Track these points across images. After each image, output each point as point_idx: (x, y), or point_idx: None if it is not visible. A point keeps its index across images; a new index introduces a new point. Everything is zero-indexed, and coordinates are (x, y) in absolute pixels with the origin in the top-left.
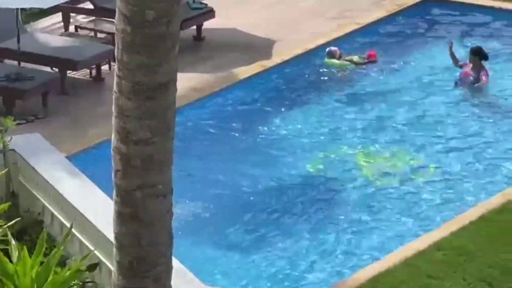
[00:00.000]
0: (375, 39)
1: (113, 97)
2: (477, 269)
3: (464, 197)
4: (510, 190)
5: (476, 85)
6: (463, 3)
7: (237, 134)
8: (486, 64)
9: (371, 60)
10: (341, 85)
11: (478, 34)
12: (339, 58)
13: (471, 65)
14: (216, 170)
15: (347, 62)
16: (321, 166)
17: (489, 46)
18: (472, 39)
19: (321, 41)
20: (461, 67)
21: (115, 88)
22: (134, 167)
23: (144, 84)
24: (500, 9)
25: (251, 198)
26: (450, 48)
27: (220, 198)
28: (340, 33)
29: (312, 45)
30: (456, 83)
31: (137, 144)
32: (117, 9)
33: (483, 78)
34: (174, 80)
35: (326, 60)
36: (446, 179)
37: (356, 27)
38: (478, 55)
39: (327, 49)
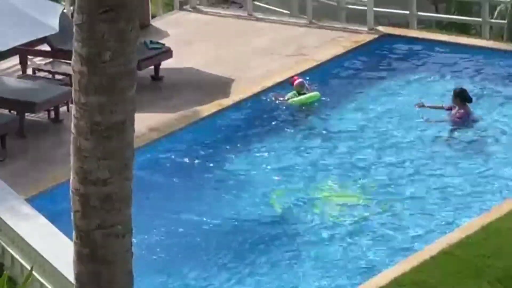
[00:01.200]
0: (332, 76)
1: (71, 138)
2: None
3: (425, 232)
4: (469, 224)
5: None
6: (419, 39)
7: (195, 173)
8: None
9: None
10: (301, 123)
11: (435, 70)
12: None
13: (457, 107)
14: (174, 208)
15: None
16: (278, 204)
17: (448, 81)
18: (431, 75)
19: (278, 78)
20: (449, 109)
21: (72, 129)
22: (93, 207)
23: (102, 124)
24: (457, 44)
25: (201, 237)
26: (422, 106)
27: (173, 236)
28: (297, 70)
29: (269, 83)
30: (426, 119)
31: (95, 184)
32: (73, 51)
33: (457, 114)
34: (131, 120)
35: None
36: (406, 214)
37: (313, 63)
38: (459, 96)
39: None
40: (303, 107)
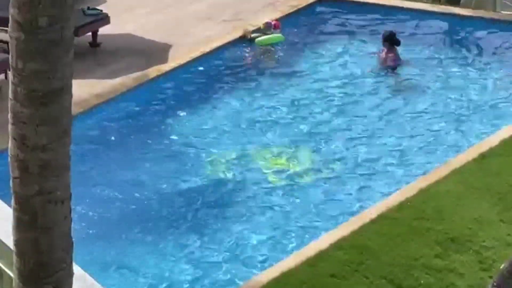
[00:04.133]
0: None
1: (9, 104)
2: (378, 268)
3: (364, 194)
4: (408, 187)
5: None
6: (356, 2)
7: (136, 138)
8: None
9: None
10: (242, 83)
11: (375, 32)
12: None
13: (385, 49)
14: (113, 174)
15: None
16: (220, 168)
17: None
18: (367, 38)
19: (216, 43)
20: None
21: (10, 95)
22: (31, 173)
23: (39, 90)
24: (394, 7)
25: (146, 202)
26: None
27: (116, 202)
28: (235, 35)
29: (207, 48)
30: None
31: (33, 150)
32: (10, 17)
33: (388, 59)
34: (69, 86)
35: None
36: (347, 176)
37: (252, 29)
38: (389, 40)
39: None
40: (261, 54)
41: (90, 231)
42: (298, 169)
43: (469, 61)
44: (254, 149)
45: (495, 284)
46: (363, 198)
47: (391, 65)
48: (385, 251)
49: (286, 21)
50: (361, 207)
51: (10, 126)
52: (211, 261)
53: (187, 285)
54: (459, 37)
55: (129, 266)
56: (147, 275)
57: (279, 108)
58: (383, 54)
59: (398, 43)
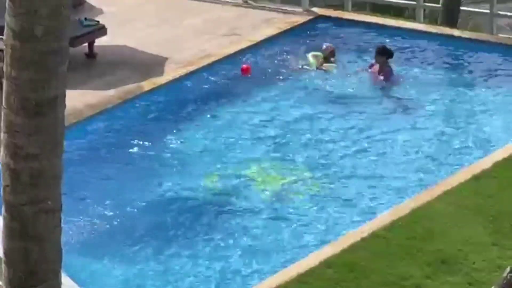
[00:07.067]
0: (267, 56)
1: (2, 112)
2: (369, 286)
3: (354, 214)
4: (400, 207)
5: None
6: (353, 21)
7: (131, 150)
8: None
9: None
10: (232, 103)
11: (369, 50)
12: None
13: (377, 65)
14: (108, 186)
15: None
16: (215, 182)
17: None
18: (363, 55)
19: (212, 58)
20: (369, 68)
21: (4, 103)
22: (23, 182)
23: (33, 99)
24: (391, 27)
25: (141, 214)
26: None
27: (111, 214)
28: (231, 50)
29: (203, 63)
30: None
31: (26, 159)
32: (6, 25)
33: (381, 77)
34: (63, 96)
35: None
36: (340, 195)
37: (248, 44)
38: (385, 54)
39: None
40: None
41: (82, 242)
42: (292, 185)
43: (464, 82)
44: (247, 164)
45: None
46: (354, 215)
47: (385, 80)
48: (376, 270)
49: (283, 38)
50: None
51: (2, 135)
52: (200, 275)
53: None
54: (454, 58)
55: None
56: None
57: (271, 123)
58: (374, 69)
59: (391, 54)
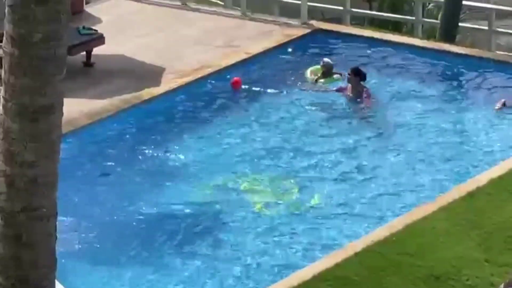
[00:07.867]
0: (262, 68)
1: None
2: None
3: (348, 228)
4: (394, 223)
5: (363, 105)
6: (351, 35)
7: (126, 159)
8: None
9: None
10: (230, 113)
11: (365, 66)
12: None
13: (350, 86)
14: (102, 196)
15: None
16: (209, 194)
17: (376, 77)
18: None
19: (209, 70)
20: (339, 90)
21: (0, 110)
22: (18, 189)
23: (30, 106)
24: (389, 42)
25: (136, 225)
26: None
27: (105, 224)
28: (228, 62)
29: (200, 74)
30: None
31: (21, 166)
32: (4, 32)
33: (366, 99)
34: (59, 104)
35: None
36: (332, 208)
37: (244, 56)
38: (357, 75)
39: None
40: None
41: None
42: (285, 199)
43: (460, 98)
44: (242, 177)
45: None
46: (346, 230)
47: (364, 101)
48: (369, 285)
49: (279, 51)
50: (345, 240)
51: None
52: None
53: None
54: (451, 75)
55: None
56: None
57: (265, 136)
58: (348, 90)
59: (364, 76)
